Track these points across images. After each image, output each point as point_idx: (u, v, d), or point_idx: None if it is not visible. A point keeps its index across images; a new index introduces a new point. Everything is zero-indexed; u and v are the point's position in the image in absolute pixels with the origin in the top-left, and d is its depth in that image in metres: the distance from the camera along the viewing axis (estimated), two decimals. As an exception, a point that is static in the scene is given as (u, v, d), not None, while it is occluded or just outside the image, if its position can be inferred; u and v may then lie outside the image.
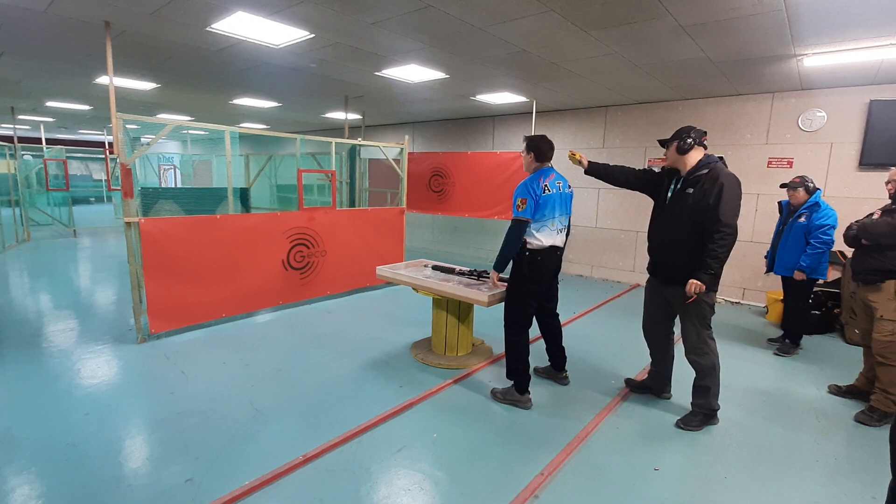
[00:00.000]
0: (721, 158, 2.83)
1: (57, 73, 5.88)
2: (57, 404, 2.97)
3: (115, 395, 3.14)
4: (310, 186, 10.19)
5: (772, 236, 4.46)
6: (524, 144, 3.13)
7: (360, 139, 6.83)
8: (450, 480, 2.35)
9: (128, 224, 3.86)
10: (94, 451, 2.50)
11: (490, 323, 4.66)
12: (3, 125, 12.88)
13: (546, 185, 2.95)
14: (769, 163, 5.72)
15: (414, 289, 3.76)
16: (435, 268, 4.11)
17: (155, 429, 2.74)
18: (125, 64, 5.25)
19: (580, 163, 3.17)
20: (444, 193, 7.41)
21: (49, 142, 13.62)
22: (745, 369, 3.89)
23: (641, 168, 3.21)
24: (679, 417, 2.97)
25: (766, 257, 4.48)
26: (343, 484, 2.29)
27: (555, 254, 3.07)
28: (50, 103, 8.48)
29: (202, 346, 4.02)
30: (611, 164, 3.25)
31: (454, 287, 3.52)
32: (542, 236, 2.96)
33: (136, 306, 4.03)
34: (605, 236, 7.22)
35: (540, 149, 3.05)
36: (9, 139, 9.13)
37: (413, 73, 5.22)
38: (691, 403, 2.96)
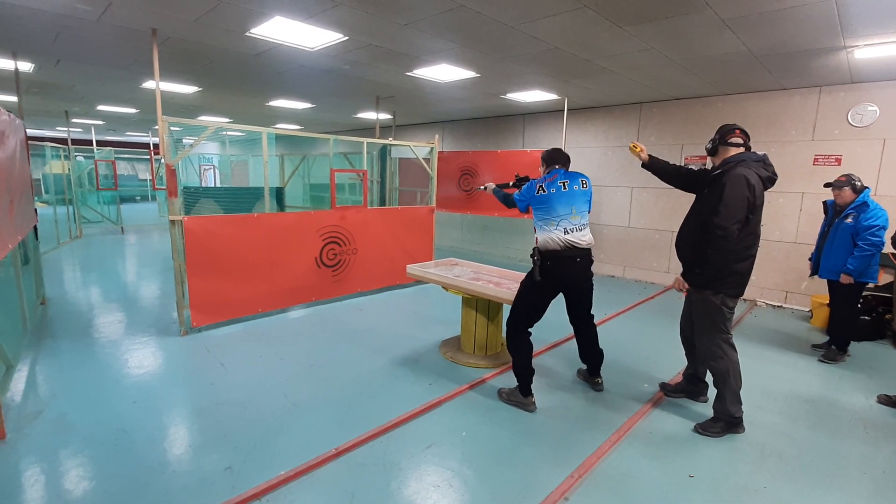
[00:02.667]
0: (765, 156, 2.71)
1: (107, 79, 6.21)
2: (107, 392, 3.16)
3: (160, 384, 3.30)
4: (342, 185, 10.39)
5: (817, 237, 4.27)
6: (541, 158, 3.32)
7: (390, 139, 6.91)
8: (479, 479, 2.36)
9: (172, 222, 4.04)
10: (141, 437, 2.64)
11: (519, 323, 4.64)
12: (58, 128, 13.68)
13: (541, 186, 3.02)
14: (815, 160, 5.46)
15: (444, 287, 3.79)
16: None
17: (196, 418, 2.87)
18: (170, 69, 5.49)
19: (639, 155, 3.09)
20: (473, 192, 7.42)
21: (99, 143, 14.37)
22: (787, 376, 3.74)
23: (699, 167, 3.14)
24: (700, 423, 2.89)
25: (810, 259, 4.29)
26: (374, 478, 2.34)
27: (572, 262, 2.96)
28: (100, 107, 8.95)
29: (240, 339, 4.18)
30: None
31: (484, 286, 3.53)
32: (543, 234, 2.97)
33: (179, 300, 4.22)
34: (638, 236, 7.06)
35: (551, 157, 3.20)
36: (63, 141, 9.70)
37: (444, 72, 5.25)
38: (713, 408, 2.89)
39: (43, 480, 2.26)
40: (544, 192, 2.99)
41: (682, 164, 6.35)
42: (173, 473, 2.34)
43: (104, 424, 2.75)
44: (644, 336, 4.61)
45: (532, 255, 3.01)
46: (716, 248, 2.57)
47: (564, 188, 3.00)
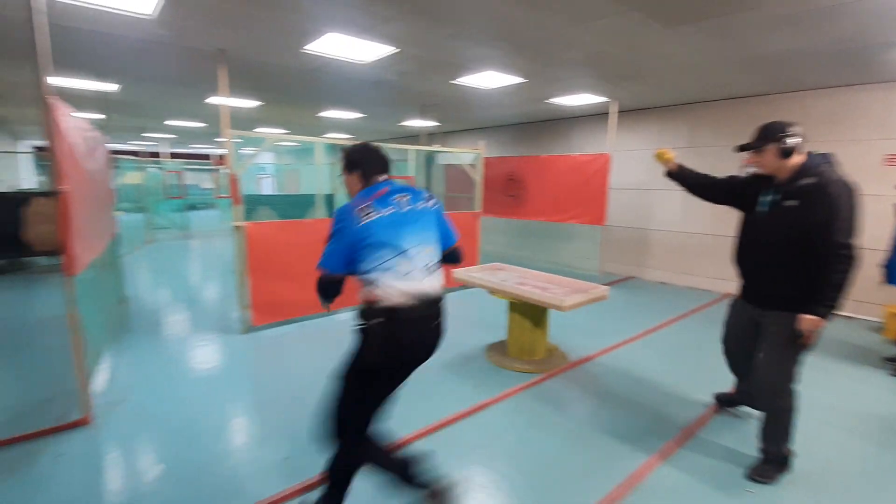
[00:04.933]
0: (825, 156, 2.54)
1: (177, 96, 6.73)
2: (178, 384, 3.43)
3: (224, 379, 3.54)
4: (388, 192, 10.62)
5: (890, 243, 3.97)
6: (342, 163, 2.02)
7: (437, 145, 7.04)
8: (526, 483, 2.39)
9: (236, 228, 4.33)
10: (207, 427, 2.86)
11: (567, 328, 4.60)
12: (130, 142, 14.87)
13: (363, 210, 1.80)
14: (887, 160, 5.07)
15: (489, 292, 3.83)
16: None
17: (257, 411, 3.07)
18: (234, 86, 5.89)
19: (666, 164, 2.88)
20: (518, 198, 7.42)
21: (165, 156, 15.46)
22: (856, 391, 3.50)
23: (727, 175, 2.84)
24: (751, 466, 2.52)
25: (883, 266, 4.00)
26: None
27: (428, 312, 1.84)
28: (169, 122, 9.68)
29: (295, 339, 4.40)
30: (698, 168, 2.92)
31: (530, 291, 3.54)
32: (390, 283, 1.77)
33: (240, 301, 4.50)
34: (692, 241, 6.80)
35: (364, 159, 1.97)
36: (135, 154, 10.57)
37: (490, 79, 5.31)
38: (762, 449, 2.50)
39: (123, 462, 2.51)
40: (372, 215, 1.79)
41: (741, 165, 6.07)
42: (237, 461, 2.52)
43: (175, 414, 3.00)
44: (698, 345, 4.43)
45: (366, 315, 1.83)
46: (844, 271, 2.16)
47: (401, 208, 1.86)
